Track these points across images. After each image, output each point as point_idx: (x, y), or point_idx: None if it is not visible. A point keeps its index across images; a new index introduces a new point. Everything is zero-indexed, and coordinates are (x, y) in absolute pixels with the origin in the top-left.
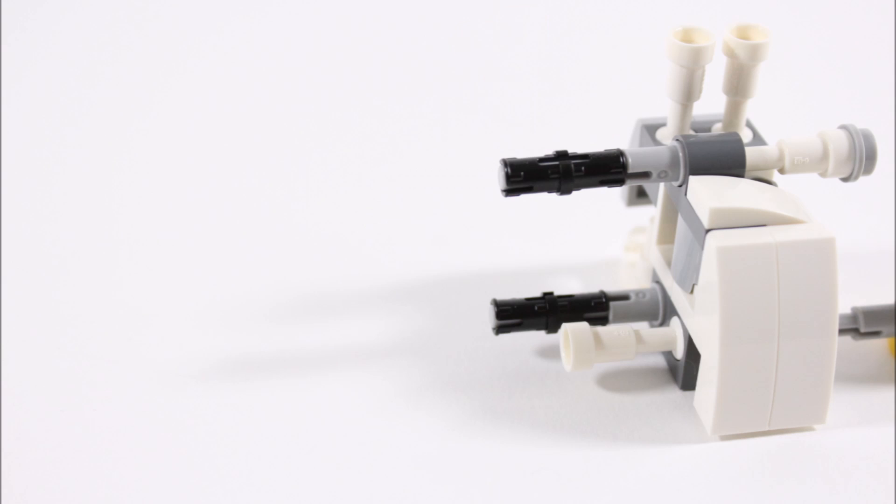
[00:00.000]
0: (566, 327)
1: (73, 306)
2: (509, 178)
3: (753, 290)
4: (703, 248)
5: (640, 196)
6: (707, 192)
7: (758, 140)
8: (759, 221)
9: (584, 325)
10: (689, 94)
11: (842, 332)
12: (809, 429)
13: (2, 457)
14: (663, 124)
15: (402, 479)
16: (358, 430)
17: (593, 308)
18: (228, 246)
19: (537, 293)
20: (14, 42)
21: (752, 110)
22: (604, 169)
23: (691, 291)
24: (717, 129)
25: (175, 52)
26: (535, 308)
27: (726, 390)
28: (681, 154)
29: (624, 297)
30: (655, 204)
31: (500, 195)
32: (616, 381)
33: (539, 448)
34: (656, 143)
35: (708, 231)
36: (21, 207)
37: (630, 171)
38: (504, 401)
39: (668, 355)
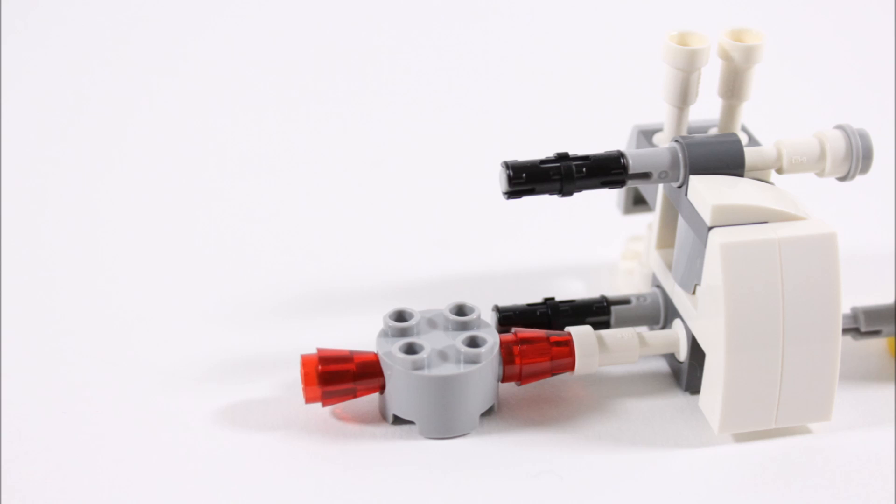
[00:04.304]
0: (570, 330)
1: (74, 308)
2: (511, 180)
3: (757, 287)
4: (705, 246)
5: (637, 204)
6: (708, 191)
7: (753, 143)
8: (760, 218)
9: (587, 328)
10: (684, 97)
11: (842, 331)
12: (810, 430)
13: (2, 458)
14: (660, 129)
15: (404, 480)
16: (358, 431)
17: (595, 312)
18: (228, 246)
19: (538, 298)
20: (14, 42)
21: (748, 113)
22: (605, 170)
23: (693, 292)
24: (713, 133)
25: (175, 52)
26: (538, 313)
27: (732, 387)
28: (681, 155)
29: (625, 301)
30: (654, 208)
31: (502, 198)
32: (619, 384)
33: (542, 451)
34: (653, 147)
35: (710, 229)
36: (20, 208)
37: (631, 171)
38: (508, 404)
39: (671, 359)
